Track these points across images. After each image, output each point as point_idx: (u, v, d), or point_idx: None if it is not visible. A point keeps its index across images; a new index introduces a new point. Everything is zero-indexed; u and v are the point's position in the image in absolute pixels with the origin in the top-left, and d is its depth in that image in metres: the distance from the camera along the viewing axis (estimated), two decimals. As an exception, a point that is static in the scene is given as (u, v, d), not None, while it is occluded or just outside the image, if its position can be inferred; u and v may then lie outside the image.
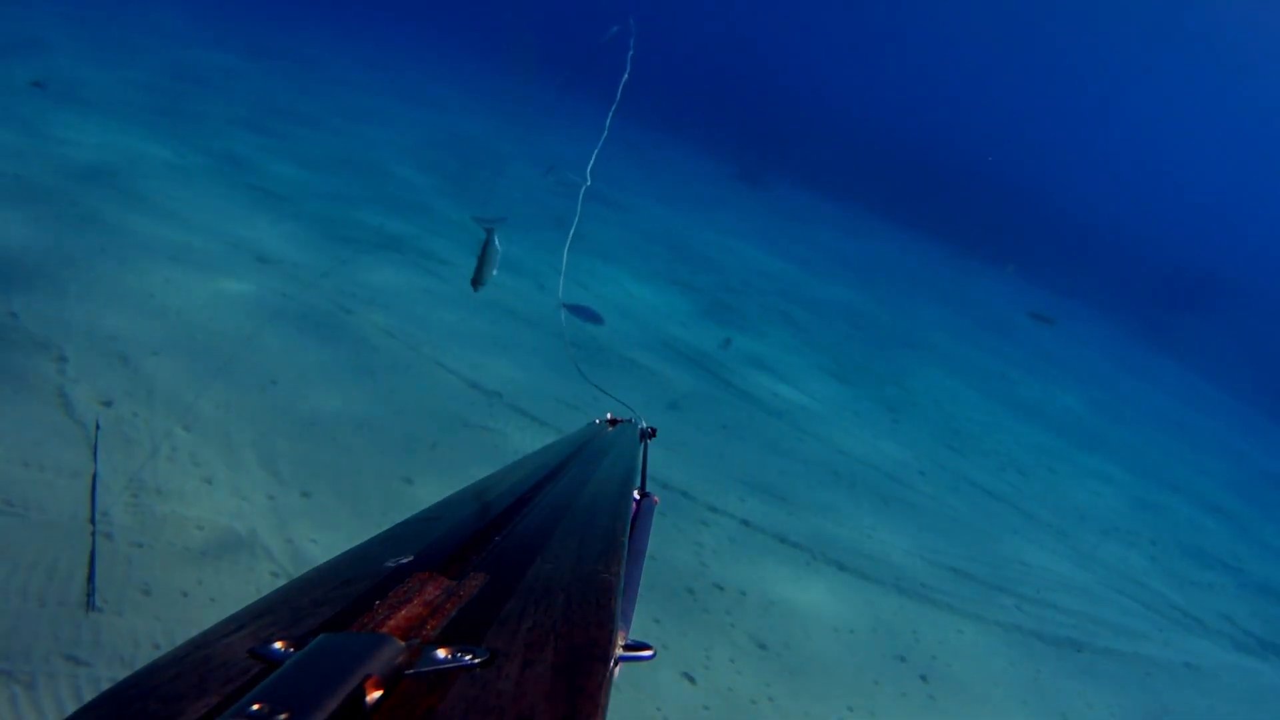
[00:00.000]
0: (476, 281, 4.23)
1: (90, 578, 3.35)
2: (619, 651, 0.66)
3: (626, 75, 2.86)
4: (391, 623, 0.62)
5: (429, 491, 4.58)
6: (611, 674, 0.62)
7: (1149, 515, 9.28)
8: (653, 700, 3.82)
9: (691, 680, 4.03)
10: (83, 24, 13.63)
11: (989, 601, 5.80)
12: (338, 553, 0.80)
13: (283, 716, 0.47)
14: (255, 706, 0.47)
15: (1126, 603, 6.69)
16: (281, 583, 3.62)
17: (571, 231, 3.08)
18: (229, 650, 0.57)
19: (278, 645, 0.58)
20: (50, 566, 3.33)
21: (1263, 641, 6.98)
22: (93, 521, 3.62)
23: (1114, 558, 7.56)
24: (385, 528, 0.89)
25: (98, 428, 4.18)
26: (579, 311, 8.05)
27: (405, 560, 0.74)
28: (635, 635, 0.76)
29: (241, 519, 3.93)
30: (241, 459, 4.33)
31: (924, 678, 4.70)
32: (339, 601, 0.65)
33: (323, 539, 3.98)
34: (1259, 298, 26.25)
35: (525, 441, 5.48)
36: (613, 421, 1.71)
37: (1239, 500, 11.49)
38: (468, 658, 0.57)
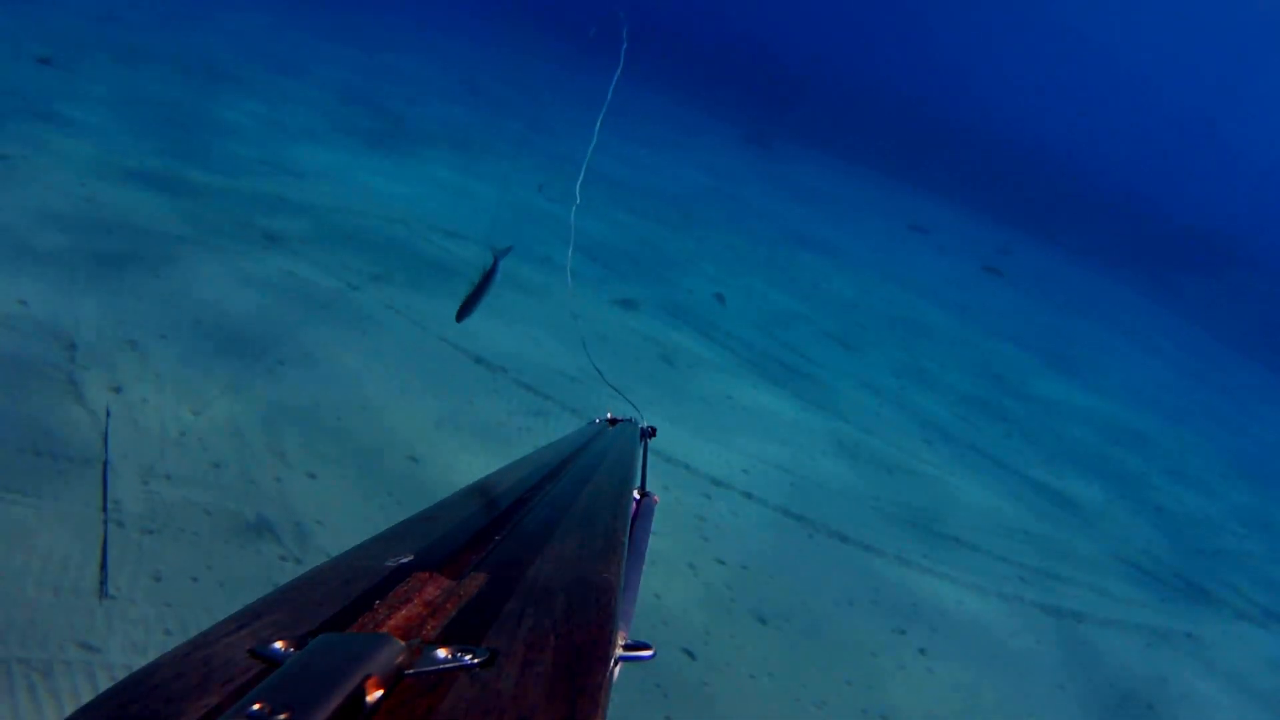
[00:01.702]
0: (463, 314, 4.04)
1: (103, 565, 3.36)
2: (619, 651, 0.66)
3: (619, 71, 2.83)
4: (391, 623, 0.62)
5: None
6: (611, 674, 0.62)
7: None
8: (652, 676, 3.85)
9: (691, 656, 4.06)
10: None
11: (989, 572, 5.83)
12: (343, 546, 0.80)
13: (283, 716, 0.47)
14: (256, 706, 0.47)
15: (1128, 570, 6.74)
16: (289, 567, 3.65)
17: (570, 251, 3.05)
18: (229, 650, 0.57)
19: (278, 645, 0.58)
20: (64, 555, 3.34)
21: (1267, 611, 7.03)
22: (104, 509, 3.63)
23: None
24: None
25: (108, 414, 4.19)
26: (626, 303, 8.32)
27: (405, 560, 0.74)
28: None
29: (249, 502, 3.95)
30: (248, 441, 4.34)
31: (923, 651, 4.74)
32: (339, 601, 0.66)
33: (329, 520, 4.00)
34: (1271, 260, 25.62)
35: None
36: (612, 421, 1.71)
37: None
38: (468, 658, 0.57)
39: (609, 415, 1.74)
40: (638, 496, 1.25)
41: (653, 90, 22.78)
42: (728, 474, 5.84)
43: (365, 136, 11.33)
